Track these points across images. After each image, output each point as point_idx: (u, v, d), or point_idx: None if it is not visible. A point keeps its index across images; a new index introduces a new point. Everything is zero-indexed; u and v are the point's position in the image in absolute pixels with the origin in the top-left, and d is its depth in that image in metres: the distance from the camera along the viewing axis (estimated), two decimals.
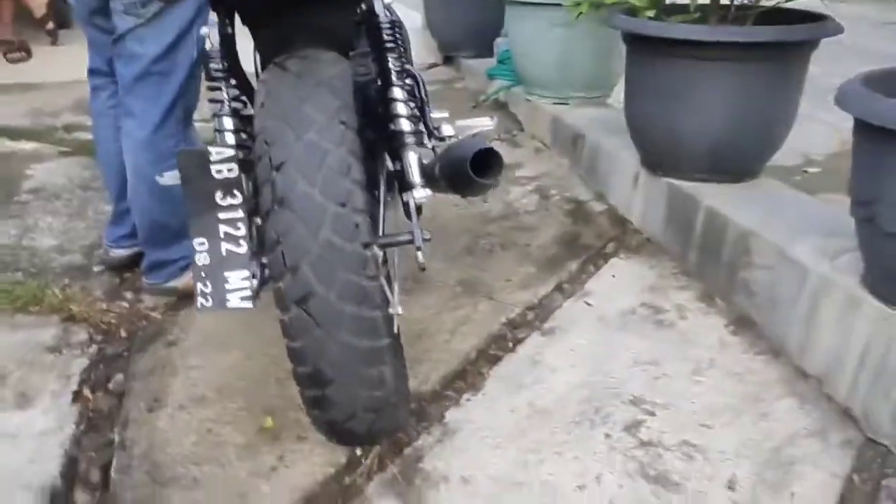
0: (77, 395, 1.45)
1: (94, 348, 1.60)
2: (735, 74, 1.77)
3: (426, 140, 1.40)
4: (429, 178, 1.27)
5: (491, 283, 1.88)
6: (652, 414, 1.42)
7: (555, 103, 2.81)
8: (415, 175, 1.25)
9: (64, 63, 3.67)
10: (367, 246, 1.04)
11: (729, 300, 1.76)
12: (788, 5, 1.94)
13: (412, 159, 1.26)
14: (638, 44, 1.93)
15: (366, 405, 1.10)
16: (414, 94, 1.40)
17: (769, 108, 1.80)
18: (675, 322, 1.71)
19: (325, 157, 1.04)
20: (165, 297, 1.77)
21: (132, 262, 1.86)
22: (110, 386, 1.50)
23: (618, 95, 2.45)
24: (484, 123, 1.48)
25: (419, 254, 1.23)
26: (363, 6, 1.32)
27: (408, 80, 1.37)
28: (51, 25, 3.72)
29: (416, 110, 1.37)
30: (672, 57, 1.82)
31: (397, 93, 1.28)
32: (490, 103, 3.26)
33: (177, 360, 1.57)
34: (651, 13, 1.89)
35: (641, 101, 1.98)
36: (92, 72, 1.83)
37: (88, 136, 2.85)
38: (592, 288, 1.87)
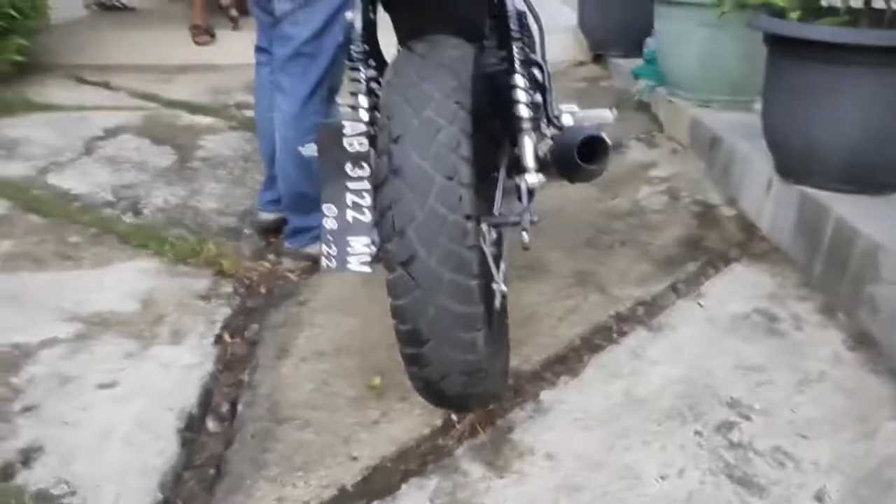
0: (219, 339, 1.66)
1: (237, 300, 1.81)
2: (879, 81, 1.70)
3: (544, 127, 1.47)
4: (542, 164, 1.35)
5: (606, 277, 1.91)
6: (747, 418, 1.41)
7: (697, 105, 2.76)
8: (528, 159, 1.33)
9: (241, 47, 3.99)
10: (468, 217, 1.12)
11: (851, 315, 1.70)
12: None
13: (527, 144, 1.34)
14: (779, 46, 1.88)
15: (459, 367, 1.18)
16: (538, 83, 1.48)
17: None
18: (789, 332, 1.68)
19: (438, 132, 1.13)
20: (302, 261, 1.96)
21: (277, 227, 2.07)
22: (247, 334, 1.70)
23: None
24: (603, 115, 1.53)
25: (524, 234, 1.31)
26: None
27: (533, 70, 1.44)
28: (234, 13, 4.09)
29: (537, 98, 1.45)
30: (812, 60, 1.77)
31: (518, 80, 1.36)
32: (633, 103, 3.25)
33: (305, 317, 1.74)
34: (797, 14, 1.84)
35: (778, 104, 1.93)
36: (258, 49, 2.05)
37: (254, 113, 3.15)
38: (708, 290, 1.86)
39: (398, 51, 1.31)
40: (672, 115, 2.91)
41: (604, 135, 1.20)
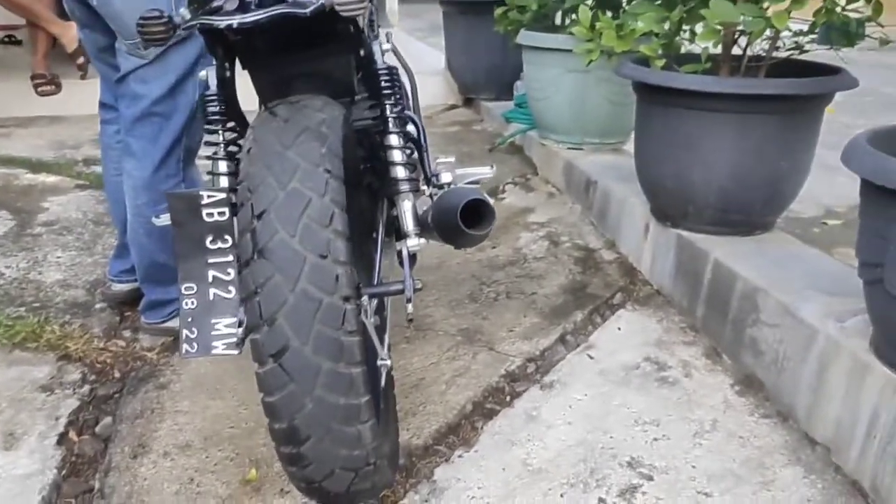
0: (63, 438, 1.44)
1: (86, 388, 1.59)
2: (744, 126, 1.73)
3: (424, 187, 1.39)
4: (423, 227, 1.26)
5: (493, 333, 1.84)
6: (650, 478, 1.36)
7: (569, 148, 2.79)
8: (408, 223, 1.24)
9: (90, 96, 3.71)
10: (347, 299, 1.01)
11: (736, 358, 1.70)
12: (803, 57, 1.92)
13: (406, 207, 1.25)
14: (647, 92, 1.90)
15: (343, 464, 1.06)
16: (413, 140, 1.39)
17: (779, 161, 1.76)
18: (680, 379, 1.66)
19: (308, 206, 1.02)
20: (162, 337, 1.76)
21: (133, 299, 1.86)
22: (97, 429, 1.48)
23: (632, 142, 2.42)
24: (483, 172, 1.46)
25: (409, 305, 1.21)
26: (361, 52, 1.32)
27: (408, 127, 1.36)
28: (81, 60, 3.78)
29: (413, 157, 1.36)
30: (680, 107, 1.79)
31: (393, 140, 1.27)
32: (506, 146, 3.25)
33: (166, 403, 1.55)
34: (661, 62, 1.87)
35: (650, 150, 1.95)
36: (102, 105, 1.86)
37: None
38: (597, 340, 1.82)
39: (258, 114, 1.18)
40: (546, 159, 2.93)
41: (487, 197, 1.13)
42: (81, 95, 3.73)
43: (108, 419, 1.51)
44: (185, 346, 1.12)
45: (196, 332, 1.12)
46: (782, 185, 1.83)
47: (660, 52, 1.89)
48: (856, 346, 1.38)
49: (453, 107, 4.12)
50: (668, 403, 1.58)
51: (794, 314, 1.53)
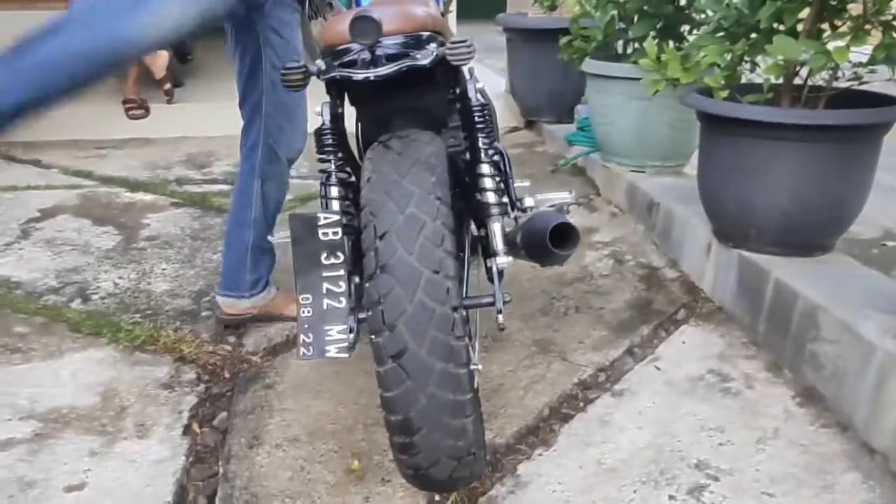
0: (187, 429, 1.62)
1: (201, 387, 1.78)
2: (805, 154, 1.84)
3: (509, 210, 1.54)
4: (510, 246, 1.41)
5: (565, 344, 1.98)
6: (716, 479, 1.48)
7: (632, 171, 2.91)
8: (498, 243, 1.39)
9: (176, 120, 4.03)
10: (455, 309, 1.17)
11: (796, 371, 1.81)
12: (862, 87, 2.02)
13: (496, 229, 1.40)
14: (711, 121, 2.03)
15: (449, 453, 1.21)
16: (499, 169, 1.55)
17: (838, 187, 1.87)
18: (742, 390, 1.77)
19: (422, 228, 1.18)
20: (263, 342, 1.95)
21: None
22: (215, 422, 1.67)
23: (693, 164, 2.54)
24: (563, 197, 1.61)
25: (499, 316, 1.36)
26: (457, 90, 1.49)
27: (495, 157, 1.52)
28: (168, 86, 4.07)
29: (501, 183, 1.52)
30: (743, 135, 1.91)
31: (485, 168, 1.42)
32: (568, 168, 3.39)
33: (273, 401, 1.73)
34: (725, 93, 1.99)
35: (713, 175, 2.07)
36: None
37: (197, 188, 3.14)
38: (662, 353, 1.95)
39: (372, 147, 1.35)
40: (608, 180, 3.06)
41: (572, 221, 1.27)
42: (168, 119, 4.03)
43: (223, 414, 1.69)
44: (301, 350, 1.28)
45: (312, 337, 1.28)
46: (842, 210, 1.93)
47: (722, 82, 2.02)
48: None
49: (515, 129, 4.27)
50: (732, 412, 1.69)
51: (853, 331, 1.64)
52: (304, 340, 1.28)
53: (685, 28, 2.82)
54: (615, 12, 2.90)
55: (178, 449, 1.56)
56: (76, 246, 2.54)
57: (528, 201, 1.51)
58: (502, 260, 1.39)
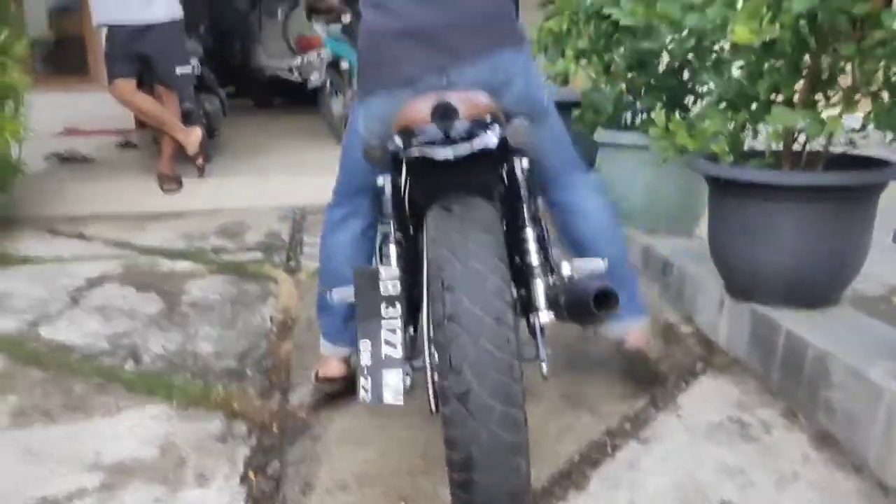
0: (244, 478, 1.74)
1: (253, 439, 1.91)
2: (806, 214, 2.00)
3: (549, 273, 1.69)
4: (552, 306, 1.55)
5: (591, 397, 2.09)
6: None
7: (644, 233, 3.07)
8: (541, 301, 1.53)
9: (207, 193, 4.24)
10: (513, 355, 1.30)
11: (811, 417, 1.92)
12: (856, 152, 2.19)
13: (539, 287, 1.54)
14: (718, 185, 2.20)
15: (506, 490, 1.31)
16: (541, 236, 1.70)
17: (838, 244, 2.02)
18: (760, 436, 1.88)
19: (485, 281, 1.33)
20: (307, 398, 2.08)
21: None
22: (269, 471, 1.78)
23: (702, 226, 2.70)
24: (596, 265, 1.75)
25: (543, 366, 1.50)
26: (506, 166, 1.66)
27: (537, 225, 1.66)
28: (200, 161, 4.30)
29: (542, 249, 1.67)
30: (749, 198, 2.07)
31: (529, 233, 1.59)
32: None
33: (321, 451, 1.84)
34: (730, 158, 2.16)
35: (723, 236, 2.22)
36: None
37: (233, 256, 3.31)
38: (683, 402, 2.06)
39: (433, 209, 1.51)
40: None
41: (613, 287, 1.41)
42: (200, 192, 4.25)
43: (276, 463, 1.81)
44: (361, 394, 1.43)
45: (370, 382, 1.42)
46: (844, 265, 2.08)
47: (727, 149, 2.19)
48: None
49: None
50: (752, 456, 1.80)
51: (862, 376, 1.76)
52: (363, 385, 1.42)
53: (689, 99, 3.03)
54: (623, 86, 3.11)
55: (236, 495, 1.68)
56: (124, 312, 2.70)
57: (566, 268, 1.64)
58: (544, 316, 1.52)
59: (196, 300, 2.82)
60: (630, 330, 2.08)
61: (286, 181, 4.36)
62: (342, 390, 2.05)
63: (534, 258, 1.54)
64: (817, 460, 1.78)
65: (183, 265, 3.19)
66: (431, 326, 1.35)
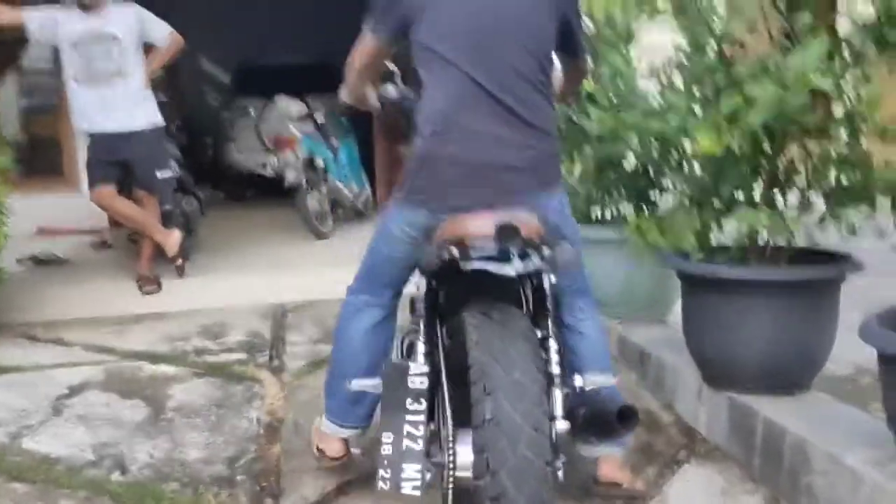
0: None
1: None
2: (775, 306, 2.12)
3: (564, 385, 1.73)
4: (568, 415, 1.58)
5: (579, 487, 2.13)
6: None
7: (619, 322, 3.17)
8: (559, 409, 1.56)
9: (187, 293, 4.26)
10: (548, 464, 1.36)
11: (794, 503, 1.98)
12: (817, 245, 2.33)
13: (558, 396, 1.58)
14: (690, 280, 2.31)
15: None
16: (560, 349, 1.76)
17: (805, 333, 2.13)
18: None
19: (526, 391, 1.39)
20: (300, 502, 2.08)
21: None
22: None
23: (676, 311, 2.79)
24: (608, 381, 1.83)
25: (559, 473, 1.53)
26: (534, 282, 1.74)
27: (559, 338, 1.71)
28: (179, 262, 4.33)
29: (561, 360, 1.73)
30: (720, 292, 2.19)
31: (552, 344, 1.64)
32: None
33: None
34: (700, 255, 2.29)
35: (697, 328, 2.33)
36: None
37: (216, 358, 3.32)
38: (669, 492, 2.11)
39: (471, 314, 1.57)
40: None
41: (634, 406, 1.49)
42: (180, 293, 4.26)
43: None
44: (380, 483, 1.46)
45: (390, 472, 1.45)
46: (812, 353, 2.19)
47: (695, 245, 2.31)
48: None
49: None
50: None
51: (841, 462, 1.83)
52: (381, 475, 1.45)
53: (656, 193, 3.19)
54: (594, 185, 3.27)
55: None
56: (107, 420, 2.68)
57: (577, 380, 1.68)
58: (561, 424, 1.56)
59: (181, 405, 2.82)
60: (604, 459, 2.08)
61: (265, 277, 4.40)
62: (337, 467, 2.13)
63: (554, 368, 1.60)
64: None
65: (166, 369, 3.19)
66: (473, 428, 1.38)
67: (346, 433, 2.12)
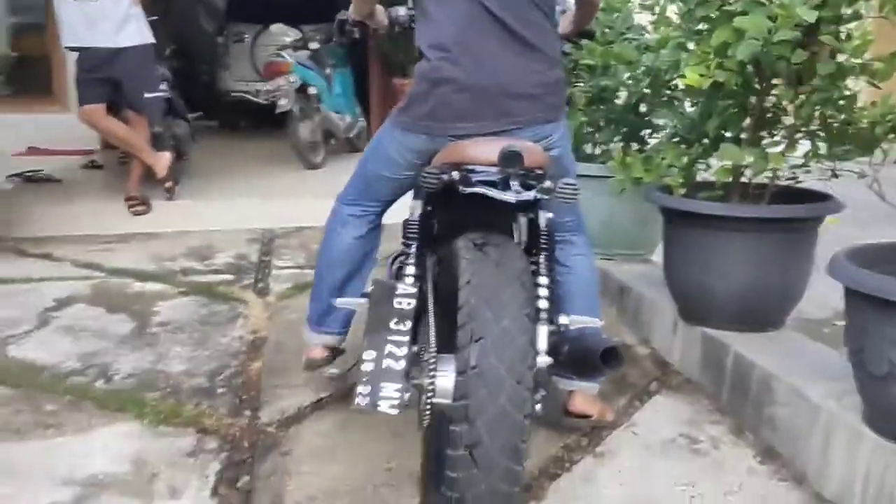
0: (215, 491, 1.80)
1: (223, 455, 1.96)
2: (752, 243, 2.15)
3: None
4: (551, 351, 1.56)
5: (551, 415, 2.18)
6: None
7: (601, 259, 3.20)
8: (542, 344, 1.54)
9: (176, 216, 4.28)
10: (527, 417, 1.35)
11: (757, 433, 2.04)
12: (799, 185, 2.34)
13: (542, 331, 1.55)
14: (671, 215, 2.33)
15: None
16: (552, 285, 1.76)
17: (782, 272, 2.16)
18: (710, 451, 1.99)
19: (513, 341, 1.36)
20: (277, 415, 2.14)
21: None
22: (239, 485, 1.84)
23: (659, 252, 2.83)
24: (595, 321, 1.84)
25: (538, 406, 1.50)
26: (532, 214, 1.72)
27: (551, 274, 1.69)
28: (169, 184, 4.33)
29: (550, 296, 1.72)
30: (700, 227, 2.21)
31: (543, 280, 1.63)
32: None
33: (291, 466, 1.91)
34: (683, 190, 2.30)
35: (677, 264, 2.36)
36: None
37: (203, 278, 3.36)
38: (638, 419, 2.17)
39: (466, 247, 1.53)
40: None
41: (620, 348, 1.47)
42: (169, 215, 4.28)
43: (246, 478, 1.86)
44: (357, 399, 1.43)
45: (368, 389, 1.44)
46: (787, 291, 2.22)
47: (680, 181, 2.33)
48: (851, 419, 1.73)
49: None
50: (702, 470, 1.91)
51: (802, 395, 1.89)
52: (360, 391, 1.43)
53: (646, 132, 3.18)
54: (584, 119, 3.26)
55: None
56: (94, 332, 2.73)
57: (563, 318, 1.67)
58: (542, 359, 1.54)
59: (167, 320, 2.86)
60: (578, 392, 2.07)
61: (254, 204, 4.42)
62: (325, 365, 2.17)
63: (542, 303, 1.57)
64: (762, 473, 1.89)
65: (153, 286, 3.22)
66: (456, 372, 1.38)
67: (325, 340, 2.16)
